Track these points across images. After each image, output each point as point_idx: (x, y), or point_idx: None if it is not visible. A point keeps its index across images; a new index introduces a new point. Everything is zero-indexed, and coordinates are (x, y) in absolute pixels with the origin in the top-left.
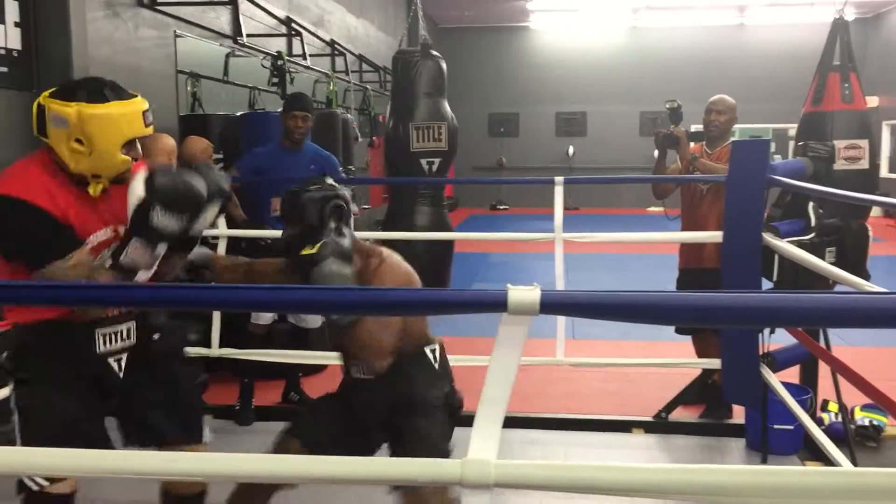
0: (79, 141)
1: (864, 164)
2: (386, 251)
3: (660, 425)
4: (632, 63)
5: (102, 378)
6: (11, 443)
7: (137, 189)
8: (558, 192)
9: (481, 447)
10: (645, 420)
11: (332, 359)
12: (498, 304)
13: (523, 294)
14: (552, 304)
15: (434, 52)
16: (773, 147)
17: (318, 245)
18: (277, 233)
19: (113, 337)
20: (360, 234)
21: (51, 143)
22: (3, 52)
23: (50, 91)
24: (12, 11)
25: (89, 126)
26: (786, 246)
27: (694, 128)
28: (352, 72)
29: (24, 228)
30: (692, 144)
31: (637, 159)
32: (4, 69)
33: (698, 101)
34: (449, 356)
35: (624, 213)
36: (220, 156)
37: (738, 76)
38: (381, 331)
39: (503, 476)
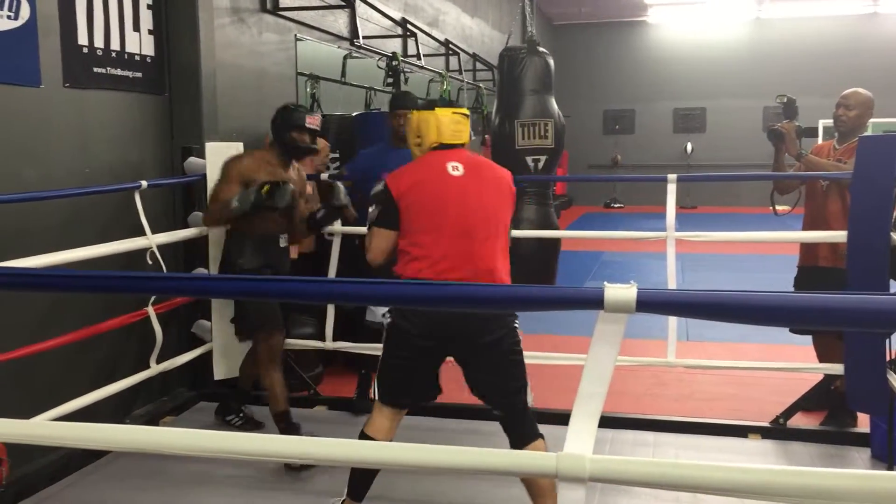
0: None
1: None
2: None
3: (777, 431)
4: (755, 56)
5: None
6: None
7: None
8: (671, 189)
9: (577, 442)
10: (762, 425)
11: None
12: (595, 302)
13: (620, 292)
14: (649, 303)
15: (541, 49)
16: None
17: None
18: None
19: None
20: None
21: None
22: (138, 58)
23: None
24: (146, 19)
25: None
26: None
27: (823, 123)
28: (465, 70)
29: None
30: (820, 140)
31: (760, 156)
32: (139, 74)
33: (829, 95)
34: (549, 353)
35: (745, 211)
36: (336, 154)
37: (874, 67)
38: None
39: (598, 470)
